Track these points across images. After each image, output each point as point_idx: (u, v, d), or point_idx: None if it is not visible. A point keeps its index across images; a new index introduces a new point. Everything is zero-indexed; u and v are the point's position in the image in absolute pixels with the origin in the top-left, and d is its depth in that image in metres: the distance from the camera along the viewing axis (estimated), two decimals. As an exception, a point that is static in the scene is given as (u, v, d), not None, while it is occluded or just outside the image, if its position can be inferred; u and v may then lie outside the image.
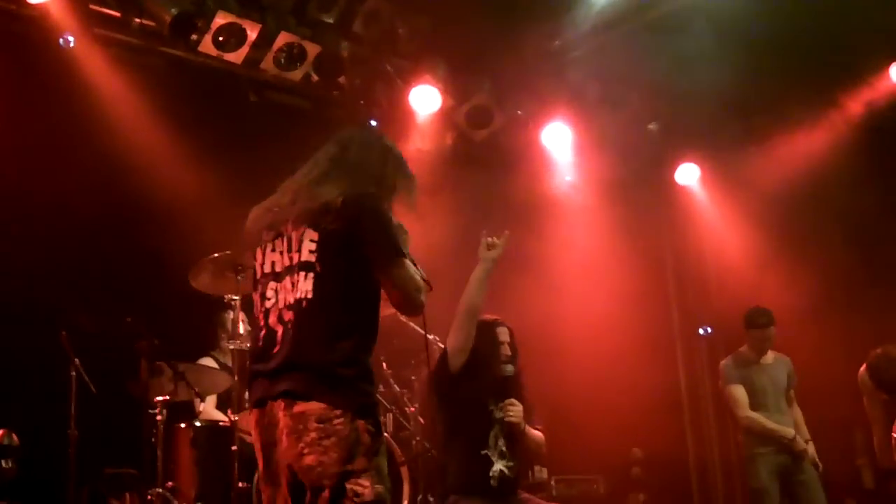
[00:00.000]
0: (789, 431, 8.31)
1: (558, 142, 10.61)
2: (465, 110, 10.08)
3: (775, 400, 8.52)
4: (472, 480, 6.49)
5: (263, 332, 4.37)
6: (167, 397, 7.23)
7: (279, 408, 4.19)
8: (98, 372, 7.25)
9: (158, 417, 7.12)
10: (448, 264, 8.73)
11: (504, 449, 6.57)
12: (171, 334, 7.46)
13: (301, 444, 4.12)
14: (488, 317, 6.75)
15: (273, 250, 4.45)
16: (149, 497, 6.95)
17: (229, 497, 7.02)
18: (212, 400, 8.04)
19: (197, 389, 7.45)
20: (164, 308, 7.93)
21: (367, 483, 4.09)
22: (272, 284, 4.39)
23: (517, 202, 10.38)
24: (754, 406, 8.47)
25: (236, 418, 7.18)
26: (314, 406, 4.12)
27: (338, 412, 4.11)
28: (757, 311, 8.60)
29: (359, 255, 4.28)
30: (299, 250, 4.33)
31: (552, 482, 9.36)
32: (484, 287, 6.36)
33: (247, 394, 4.97)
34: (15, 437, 6.96)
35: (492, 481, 6.43)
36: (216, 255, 7.13)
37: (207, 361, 8.03)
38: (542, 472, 9.54)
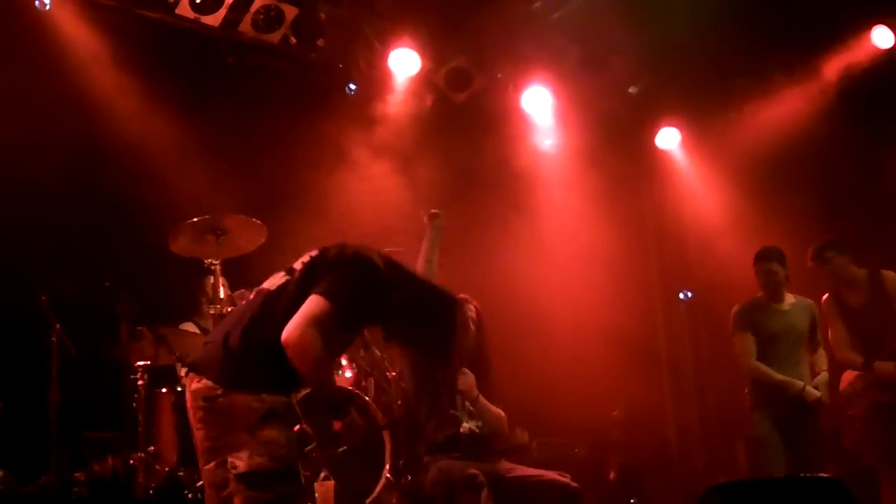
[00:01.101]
0: (797, 384, 7.87)
1: (538, 105, 10.58)
2: (444, 73, 10.06)
3: (790, 348, 8.06)
4: (443, 438, 6.57)
5: None
6: (148, 362, 7.23)
7: (188, 381, 4.44)
8: (79, 336, 7.24)
9: (140, 382, 7.12)
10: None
11: (472, 409, 6.69)
12: (151, 299, 7.46)
13: (194, 419, 4.37)
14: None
15: None
16: (131, 461, 6.96)
17: (211, 461, 7.02)
18: (193, 364, 8.02)
19: (178, 354, 7.44)
20: (145, 272, 7.91)
21: (243, 456, 4.20)
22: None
23: (497, 165, 10.37)
24: (764, 354, 8.05)
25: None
26: (203, 384, 4.32)
27: (220, 391, 4.27)
28: (763, 247, 8.26)
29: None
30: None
31: (533, 445, 9.37)
32: (436, 250, 6.47)
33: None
34: (-2, 401, 6.97)
35: (462, 436, 6.54)
36: (195, 219, 7.10)
37: (189, 326, 8.01)
38: (522, 435, 9.57)
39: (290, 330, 4.19)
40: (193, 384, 4.35)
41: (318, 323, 4.19)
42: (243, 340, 4.32)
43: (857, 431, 8.21)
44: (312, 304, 4.23)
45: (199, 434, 4.34)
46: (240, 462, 4.19)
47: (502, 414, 6.90)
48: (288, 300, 4.34)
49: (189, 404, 4.40)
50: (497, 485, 6.48)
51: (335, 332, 4.30)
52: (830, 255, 8.09)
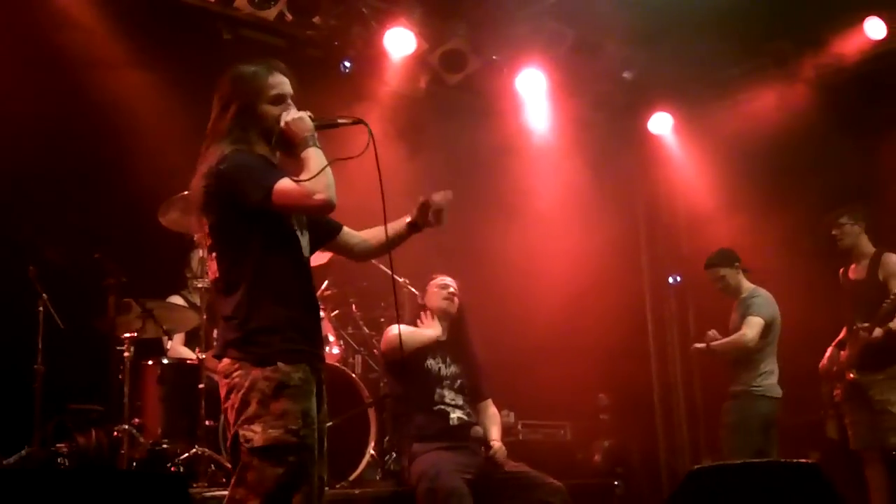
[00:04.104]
0: None
1: (532, 88, 10.57)
2: (439, 54, 10.02)
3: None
4: (434, 429, 6.66)
5: None
6: (135, 334, 7.24)
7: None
8: (66, 307, 7.24)
9: (126, 354, 7.13)
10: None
11: (456, 402, 6.76)
12: (139, 271, 7.46)
13: (223, 401, 4.31)
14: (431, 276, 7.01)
15: None
16: (115, 433, 6.97)
17: (195, 434, 7.06)
18: (179, 338, 8.04)
19: (165, 327, 7.47)
20: (134, 245, 7.91)
21: (257, 429, 4.15)
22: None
23: (490, 147, 10.37)
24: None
25: (203, 356, 7.20)
26: (223, 364, 4.32)
27: (236, 366, 4.25)
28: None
29: (241, 220, 4.33)
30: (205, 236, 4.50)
31: (518, 426, 9.41)
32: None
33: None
34: (-17, 371, 6.98)
35: (453, 428, 6.64)
36: (186, 192, 7.10)
37: (175, 299, 8.03)
38: (508, 417, 9.60)
39: (315, 215, 4.50)
40: (217, 369, 4.39)
41: (298, 196, 4.28)
42: (230, 319, 4.34)
43: (840, 416, 8.32)
44: (275, 204, 4.27)
45: (228, 415, 4.30)
46: (254, 435, 4.14)
47: (496, 414, 7.05)
48: (232, 257, 4.40)
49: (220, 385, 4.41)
50: (484, 476, 6.54)
51: None
52: (842, 222, 8.28)
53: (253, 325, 4.27)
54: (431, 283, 7.25)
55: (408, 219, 4.83)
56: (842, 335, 8.42)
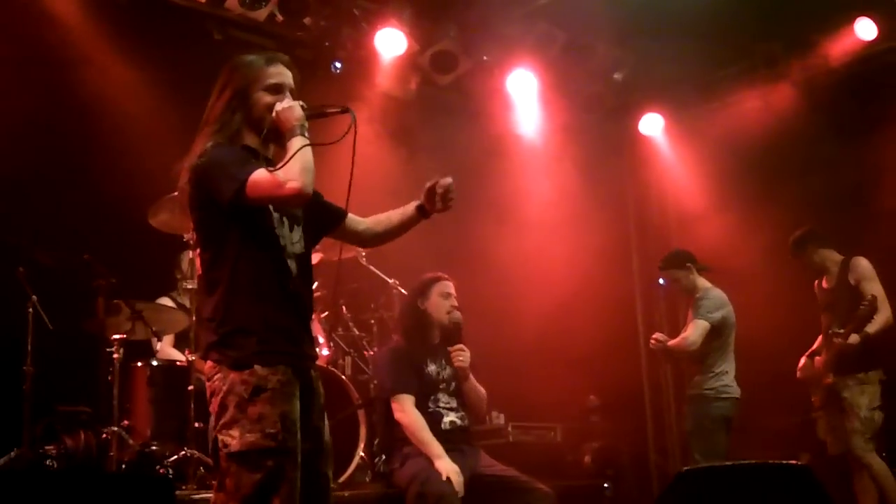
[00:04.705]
0: None
1: (523, 89, 10.57)
2: (430, 55, 10.02)
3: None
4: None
5: None
6: (124, 336, 7.23)
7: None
8: (55, 309, 7.22)
9: (115, 356, 7.12)
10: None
11: (450, 405, 6.72)
12: (129, 273, 7.44)
13: (208, 404, 4.24)
14: (431, 276, 6.96)
15: None
16: (104, 435, 6.95)
17: (184, 436, 7.04)
18: (169, 339, 8.03)
19: (154, 328, 7.45)
20: (124, 246, 7.89)
21: (235, 434, 4.08)
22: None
23: (480, 148, 10.37)
24: None
25: (193, 358, 7.18)
26: (207, 366, 4.25)
27: (216, 369, 4.19)
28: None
29: (219, 216, 4.25)
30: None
31: (509, 428, 9.40)
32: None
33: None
34: (-28, 372, 6.96)
35: (444, 432, 6.58)
36: (176, 193, 7.07)
37: (165, 301, 8.01)
38: (499, 419, 9.60)
39: (286, 206, 4.32)
40: (204, 367, 4.31)
41: (268, 188, 4.15)
42: (208, 319, 4.29)
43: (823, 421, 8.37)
44: (246, 198, 4.14)
45: (212, 419, 4.23)
46: (231, 440, 4.06)
47: (483, 391, 6.95)
48: (212, 256, 4.35)
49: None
50: (474, 479, 6.51)
51: None
52: (797, 253, 8.39)
53: (229, 326, 4.20)
54: (435, 286, 6.99)
55: (416, 203, 4.76)
56: (815, 345, 8.44)
